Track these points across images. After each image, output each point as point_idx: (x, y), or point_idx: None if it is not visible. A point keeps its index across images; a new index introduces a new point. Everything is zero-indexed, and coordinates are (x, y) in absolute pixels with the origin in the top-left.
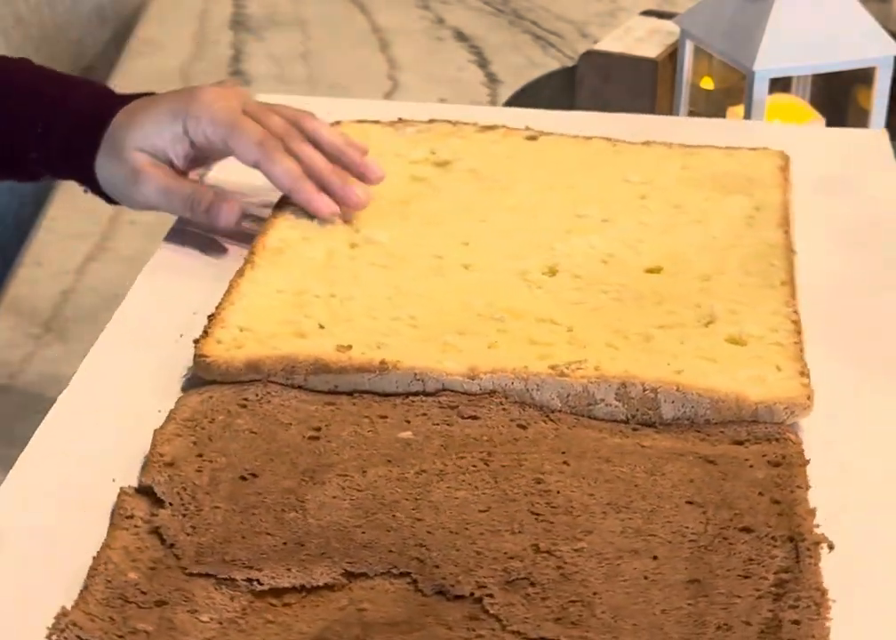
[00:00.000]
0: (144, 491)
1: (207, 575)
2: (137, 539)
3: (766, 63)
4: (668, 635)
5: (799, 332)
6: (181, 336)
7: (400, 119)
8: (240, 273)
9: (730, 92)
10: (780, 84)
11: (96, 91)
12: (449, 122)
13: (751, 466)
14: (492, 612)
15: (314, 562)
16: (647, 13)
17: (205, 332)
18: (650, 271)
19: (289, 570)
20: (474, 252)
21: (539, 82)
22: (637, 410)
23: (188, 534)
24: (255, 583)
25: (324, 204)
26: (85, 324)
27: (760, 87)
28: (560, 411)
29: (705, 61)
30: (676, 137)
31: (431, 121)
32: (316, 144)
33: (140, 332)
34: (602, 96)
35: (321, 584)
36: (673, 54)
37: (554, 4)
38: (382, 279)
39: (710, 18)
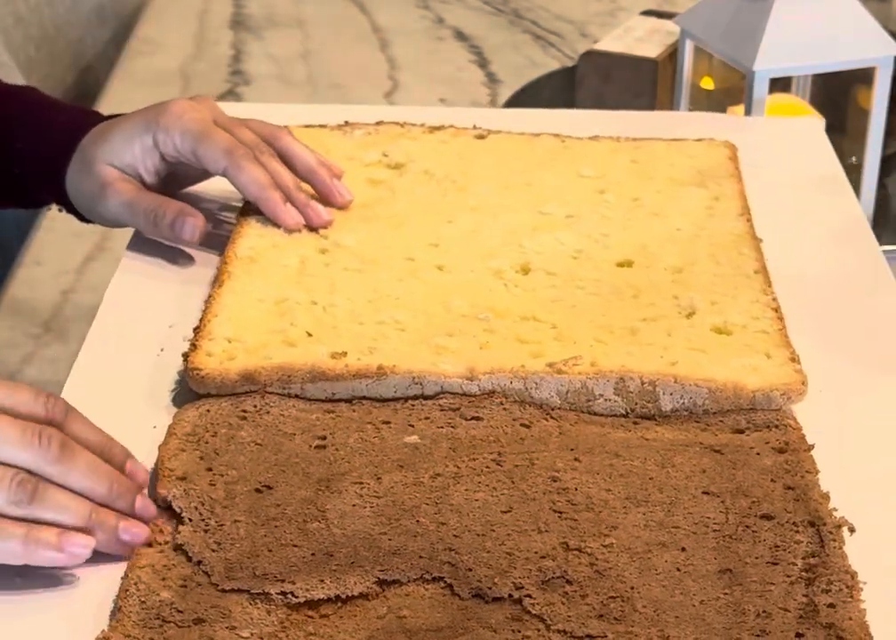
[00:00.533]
0: (159, 506)
1: (240, 590)
2: (163, 556)
3: (766, 63)
4: (711, 625)
5: (781, 319)
6: (162, 350)
7: (347, 122)
8: (218, 283)
9: (730, 92)
10: (780, 84)
11: (82, 113)
12: (397, 123)
13: (757, 453)
14: (534, 612)
15: (345, 571)
16: (647, 13)
17: (193, 345)
18: (620, 265)
19: (322, 581)
20: (444, 253)
21: (539, 82)
22: (636, 403)
23: (213, 550)
24: (290, 596)
25: (289, 215)
26: (85, 323)
27: (760, 87)
28: (559, 408)
29: (705, 61)
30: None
31: (379, 123)
32: (289, 161)
33: (119, 349)
34: (602, 96)
35: (355, 594)
36: (673, 54)
37: (554, 4)
38: (359, 284)
39: (710, 18)
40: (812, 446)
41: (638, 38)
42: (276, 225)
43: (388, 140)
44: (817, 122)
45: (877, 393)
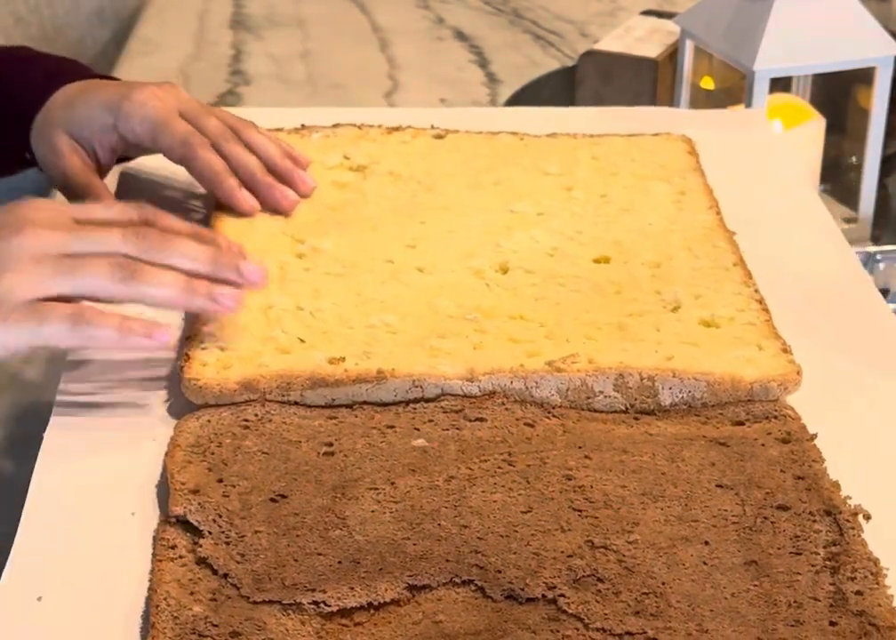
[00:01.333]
0: (178, 520)
1: (272, 602)
2: (187, 570)
3: (766, 63)
4: (746, 617)
5: (766, 310)
6: (149, 360)
7: (304, 125)
8: None
9: (730, 92)
10: (780, 84)
11: (62, 63)
12: (354, 125)
13: (762, 444)
14: (570, 611)
15: (374, 578)
16: (647, 13)
17: (186, 355)
18: (597, 261)
19: (352, 589)
20: (422, 254)
21: (539, 82)
22: (636, 399)
23: (238, 562)
24: (322, 605)
25: (244, 200)
26: None
27: (760, 87)
28: (560, 406)
29: (705, 61)
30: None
31: (336, 125)
32: (252, 153)
33: (106, 362)
34: (602, 96)
35: (387, 600)
36: (673, 54)
37: (554, 4)
38: (342, 288)
39: (710, 18)
40: (815, 436)
41: (638, 38)
42: (250, 231)
43: (348, 143)
44: (762, 112)
45: (865, 381)
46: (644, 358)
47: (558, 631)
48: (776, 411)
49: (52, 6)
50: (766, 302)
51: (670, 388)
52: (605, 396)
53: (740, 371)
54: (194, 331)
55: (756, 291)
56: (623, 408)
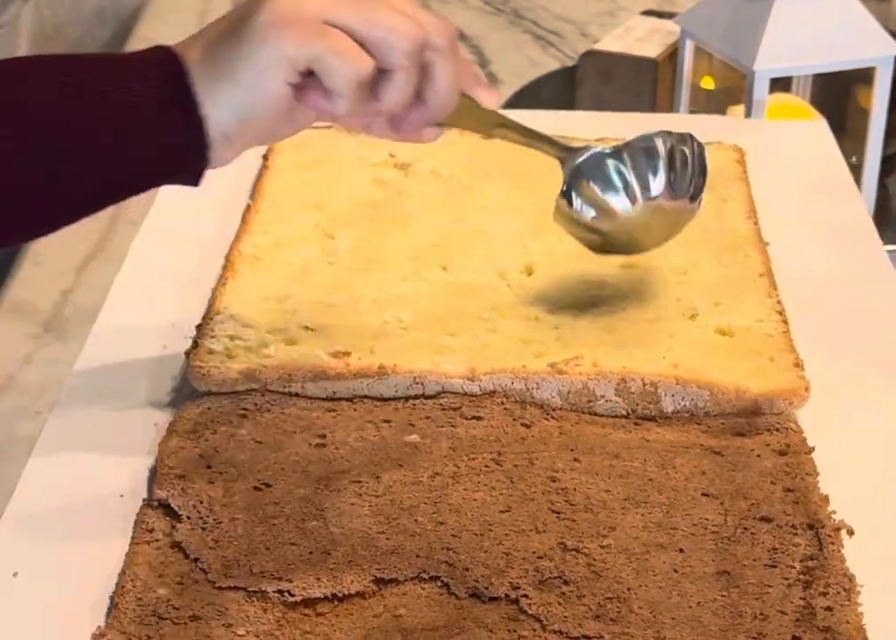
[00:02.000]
0: (160, 504)
1: (237, 588)
2: (160, 553)
3: (766, 63)
4: (707, 627)
5: (785, 323)
6: (164, 347)
7: None
8: (222, 281)
9: (730, 92)
10: (780, 84)
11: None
12: None
13: (758, 456)
14: (530, 612)
15: (342, 570)
16: (647, 13)
17: (195, 343)
18: (625, 267)
19: (318, 579)
20: (449, 253)
21: (539, 82)
22: (638, 404)
23: (211, 548)
24: (286, 594)
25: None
26: (85, 323)
27: (760, 87)
28: (560, 408)
29: (705, 61)
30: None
31: None
32: None
33: (122, 346)
34: (602, 96)
35: (352, 592)
36: (673, 54)
37: (554, 4)
38: (363, 283)
39: (710, 18)
40: (813, 449)
41: (638, 38)
42: (280, 223)
43: (394, 141)
44: (821, 124)
45: (880, 397)
46: (650, 364)
47: (515, 631)
48: (779, 423)
49: (52, 6)
50: (794, 313)
51: (672, 396)
52: (607, 401)
53: (746, 382)
54: (206, 319)
55: (779, 302)
56: (625, 413)
